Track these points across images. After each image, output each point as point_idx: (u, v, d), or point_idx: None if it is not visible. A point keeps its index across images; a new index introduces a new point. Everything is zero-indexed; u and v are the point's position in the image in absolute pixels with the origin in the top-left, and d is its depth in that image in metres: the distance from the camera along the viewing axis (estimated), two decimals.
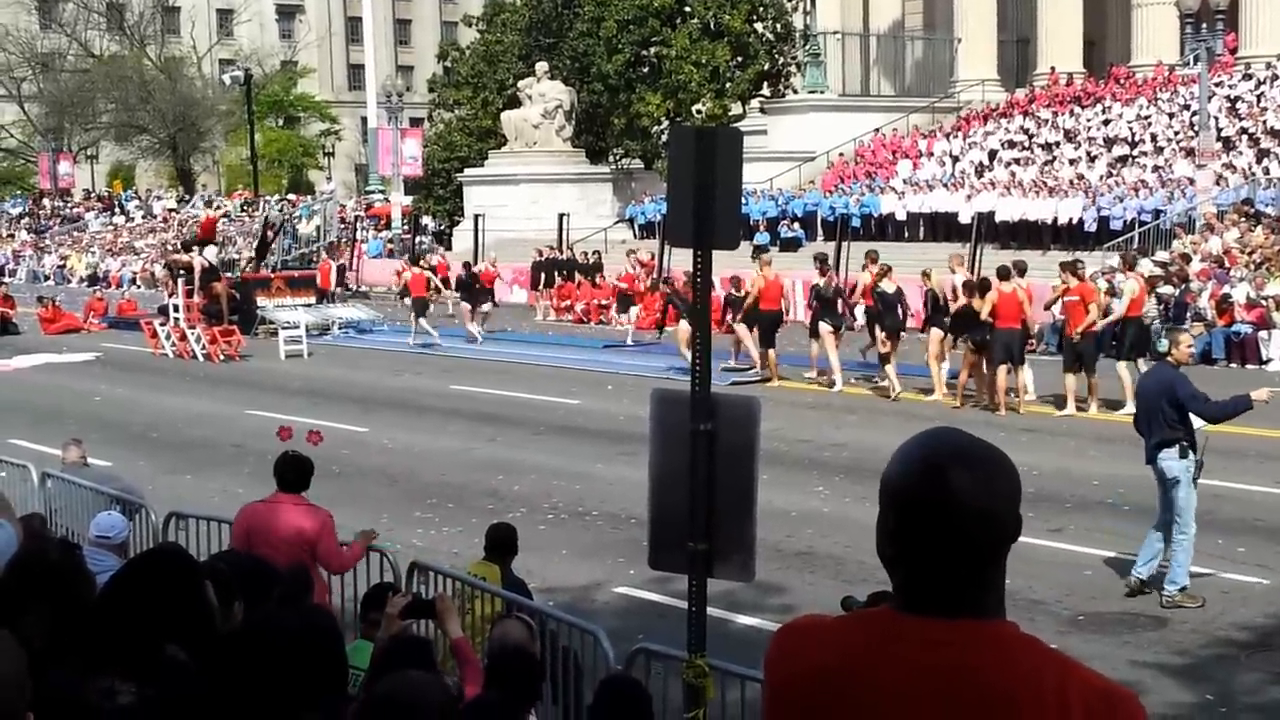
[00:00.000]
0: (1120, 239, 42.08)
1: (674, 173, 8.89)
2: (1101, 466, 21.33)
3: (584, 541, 17.76)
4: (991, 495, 3.13)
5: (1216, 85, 51.05)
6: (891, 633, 3.16)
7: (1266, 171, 43.59)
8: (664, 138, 60.52)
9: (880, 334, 28.75)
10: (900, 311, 28.83)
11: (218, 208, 68.64)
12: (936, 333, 28.28)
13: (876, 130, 60.36)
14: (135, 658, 5.00)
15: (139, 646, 5.02)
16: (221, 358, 37.38)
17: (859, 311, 32.05)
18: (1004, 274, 26.58)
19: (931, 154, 56.28)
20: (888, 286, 28.93)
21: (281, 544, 11.16)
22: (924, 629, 3.12)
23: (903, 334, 29.21)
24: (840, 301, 30.69)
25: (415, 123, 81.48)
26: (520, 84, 63.54)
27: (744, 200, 43.50)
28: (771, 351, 30.86)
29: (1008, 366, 26.34)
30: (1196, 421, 14.80)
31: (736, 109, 65.82)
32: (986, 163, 53.04)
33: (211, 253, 45.66)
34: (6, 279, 64.98)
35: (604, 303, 46.01)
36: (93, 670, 4.96)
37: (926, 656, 3.09)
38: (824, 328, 29.98)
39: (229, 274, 44.97)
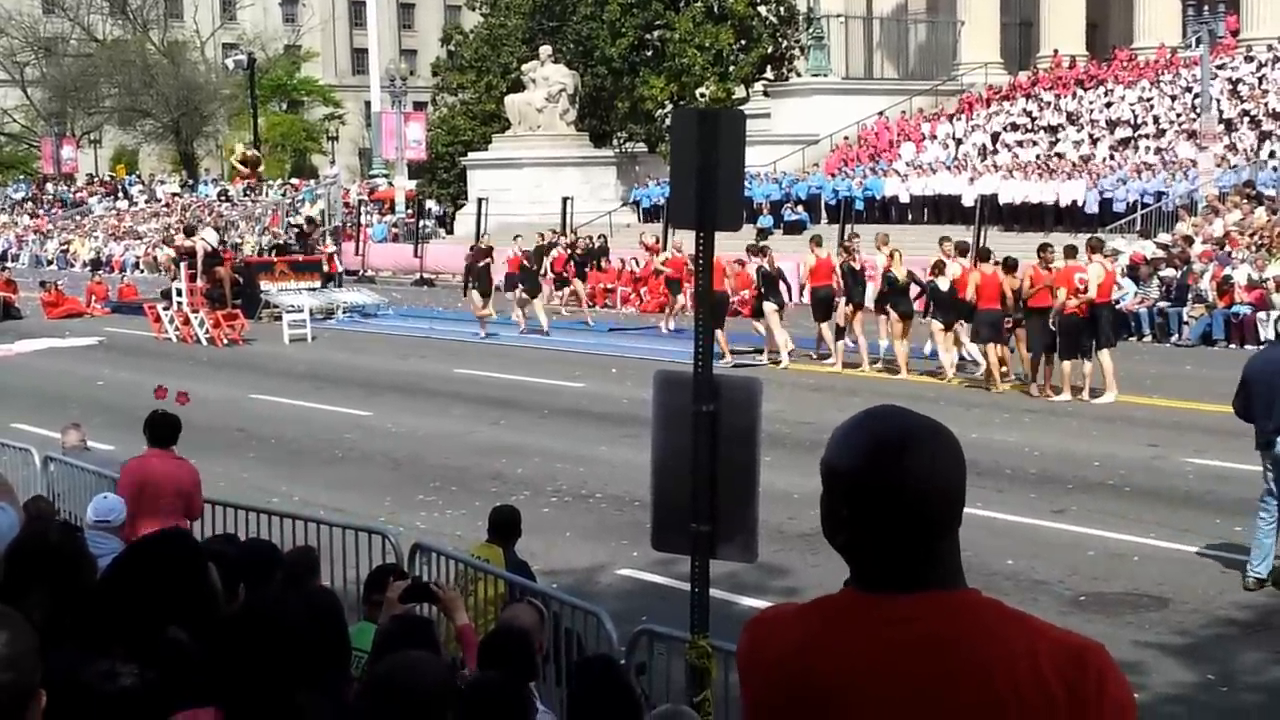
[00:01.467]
0: (1122, 220, 42.12)
1: (676, 155, 8.90)
2: (1103, 447, 21.37)
3: (587, 524, 17.80)
4: (942, 472, 3.14)
5: (1218, 67, 51.05)
6: (857, 613, 3.16)
7: (1271, 155, 43.56)
8: (668, 121, 60.53)
9: (846, 308, 29.71)
10: (864, 287, 29.79)
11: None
12: (893, 314, 28.92)
13: (881, 114, 60.33)
14: (137, 640, 5.02)
15: (141, 629, 5.04)
16: (225, 342, 37.42)
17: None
18: (985, 255, 27.58)
19: (935, 137, 56.27)
20: (852, 263, 29.96)
21: (168, 494, 12.09)
22: (890, 606, 3.12)
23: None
24: (782, 281, 31.72)
25: (419, 106, 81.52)
26: (524, 68, 63.50)
27: (747, 183, 43.72)
28: (720, 333, 31.50)
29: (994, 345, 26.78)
30: None
31: (740, 92, 65.78)
32: (990, 145, 53.03)
33: (212, 236, 45.74)
34: (9, 264, 65.04)
35: (609, 286, 46.03)
36: (94, 652, 4.99)
37: (896, 633, 3.10)
38: (768, 307, 30.79)
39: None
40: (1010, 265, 26.67)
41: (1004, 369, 26.87)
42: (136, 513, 11.56)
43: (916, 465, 3.11)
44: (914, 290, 29.12)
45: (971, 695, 3.04)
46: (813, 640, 3.19)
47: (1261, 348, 18.19)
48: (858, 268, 29.97)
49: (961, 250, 28.41)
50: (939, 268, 28.09)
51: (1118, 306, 33.66)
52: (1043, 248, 26.84)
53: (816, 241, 32.14)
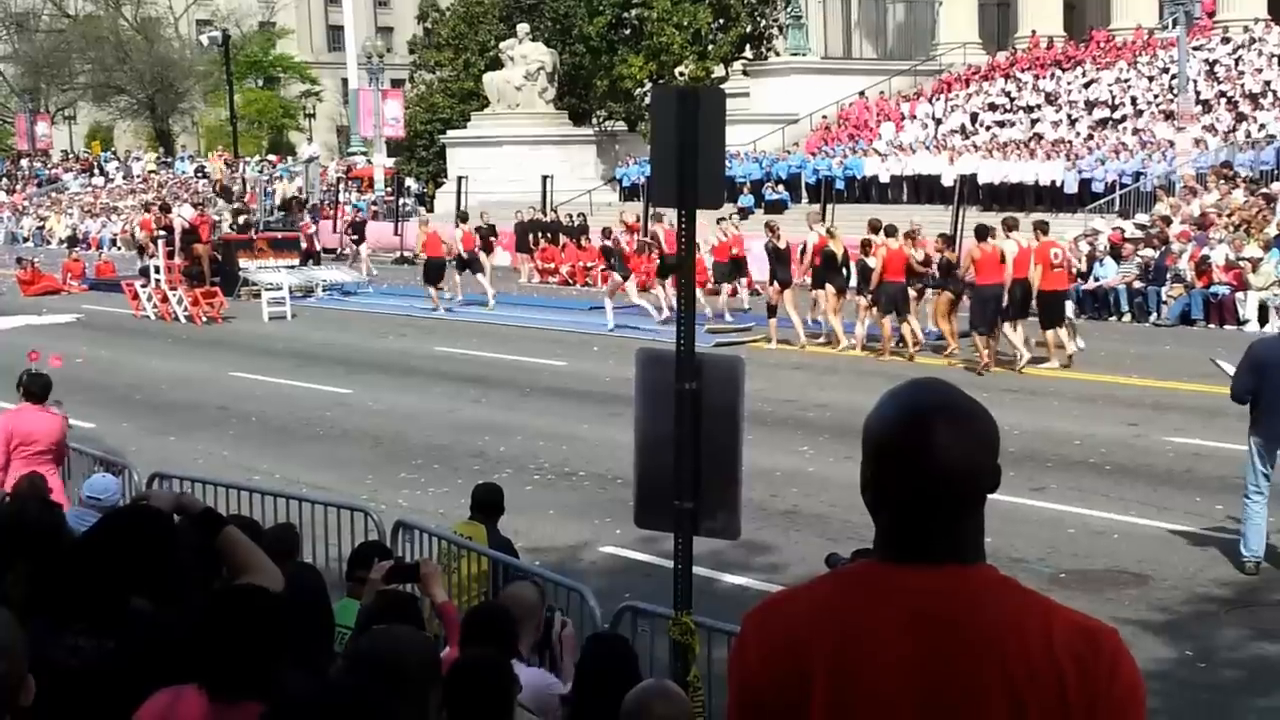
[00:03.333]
0: (1101, 200, 42.23)
1: (657, 133, 8.87)
2: (1083, 426, 21.46)
3: (571, 502, 17.82)
4: (967, 448, 3.15)
5: (1195, 49, 51.08)
6: (871, 584, 3.18)
7: (1247, 135, 43.67)
8: (647, 100, 60.43)
9: (773, 287, 30.70)
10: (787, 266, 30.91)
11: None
12: (830, 289, 29.82)
13: (861, 94, 60.31)
14: (101, 612, 5.03)
15: (105, 601, 5.05)
16: (204, 319, 37.35)
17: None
18: (890, 231, 28.71)
19: (914, 117, 56.31)
20: (780, 243, 30.99)
21: (42, 444, 13.64)
22: (905, 577, 3.14)
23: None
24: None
25: (396, 84, 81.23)
26: (502, 45, 63.34)
27: (728, 162, 43.88)
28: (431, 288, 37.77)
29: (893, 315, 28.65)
30: None
31: (719, 71, 65.71)
32: (969, 125, 53.09)
33: (189, 213, 45.61)
34: None
35: (589, 265, 46.02)
36: (61, 626, 5.00)
37: (909, 604, 3.11)
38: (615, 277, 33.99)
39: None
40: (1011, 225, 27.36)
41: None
42: (10, 459, 13.40)
43: (937, 442, 3.13)
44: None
45: (982, 670, 3.06)
46: (824, 610, 3.20)
47: (1265, 331, 17.98)
48: (782, 247, 30.86)
49: (874, 227, 29.53)
50: (867, 246, 29.07)
51: (1098, 284, 34.03)
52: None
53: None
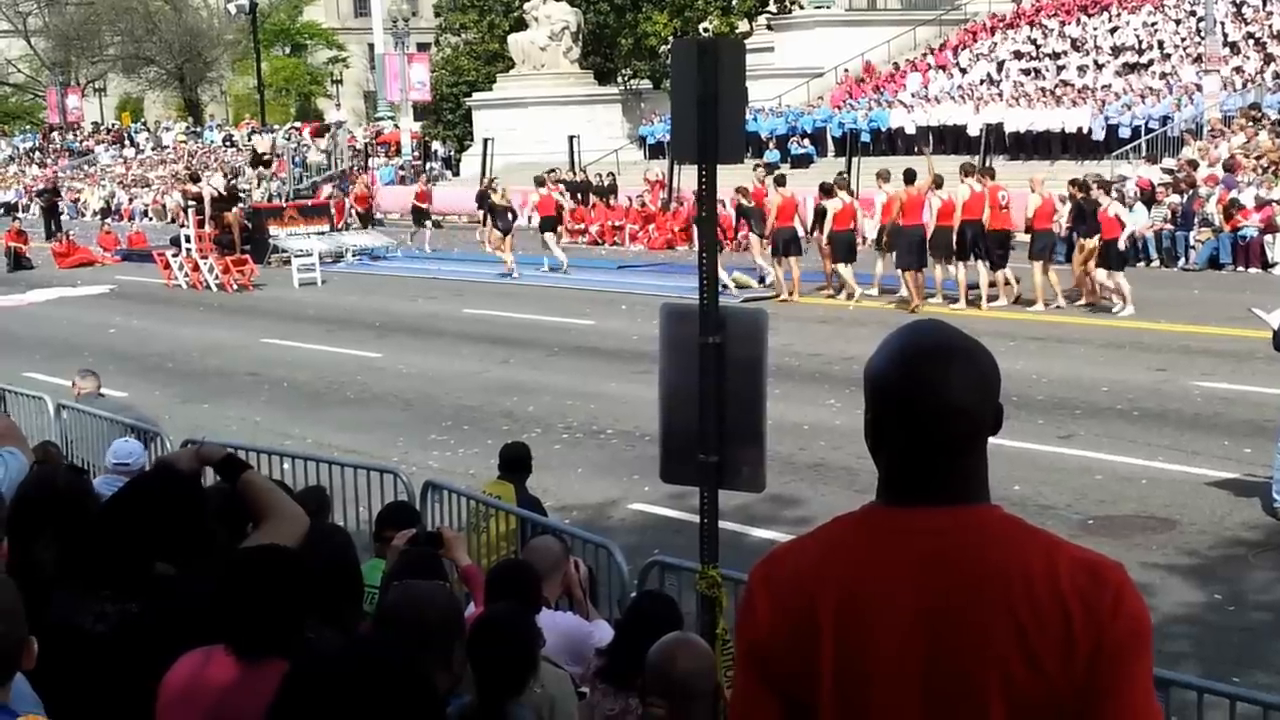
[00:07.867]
0: (1128, 146, 42.02)
1: (677, 87, 8.83)
2: (1111, 372, 21.44)
3: (599, 460, 17.88)
4: (963, 389, 3.14)
5: None
6: (876, 525, 3.17)
7: (1275, 76, 43.41)
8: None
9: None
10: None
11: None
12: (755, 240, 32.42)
13: (891, 59, 60.00)
14: (127, 577, 5.09)
15: (131, 565, 5.11)
16: (235, 287, 37.47)
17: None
18: (780, 180, 31.92)
19: (941, 67, 56.07)
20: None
21: None
22: (908, 519, 3.13)
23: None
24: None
25: (422, 48, 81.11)
26: (526, 6, 63.28)
27: (752, 118, 43.79)
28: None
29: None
30: None
31: (743, 26, 65.52)
32: (995, 74, 52.85)
33: (220, 182, 45.74)
34: (20, 214, 65.01)
35: (618, 224, 46.02)
36: (88, 592, 5.06)
37: (914, 544, 3.10)
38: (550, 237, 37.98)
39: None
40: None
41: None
42: None
43: (934, 381, 3.13)
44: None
45: (987, 607, 3.05)
46: (830, 553, 3.20)
47: None
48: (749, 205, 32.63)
49: (779, 181, 31.99)
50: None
51: (1131, 232, 34.02)
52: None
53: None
